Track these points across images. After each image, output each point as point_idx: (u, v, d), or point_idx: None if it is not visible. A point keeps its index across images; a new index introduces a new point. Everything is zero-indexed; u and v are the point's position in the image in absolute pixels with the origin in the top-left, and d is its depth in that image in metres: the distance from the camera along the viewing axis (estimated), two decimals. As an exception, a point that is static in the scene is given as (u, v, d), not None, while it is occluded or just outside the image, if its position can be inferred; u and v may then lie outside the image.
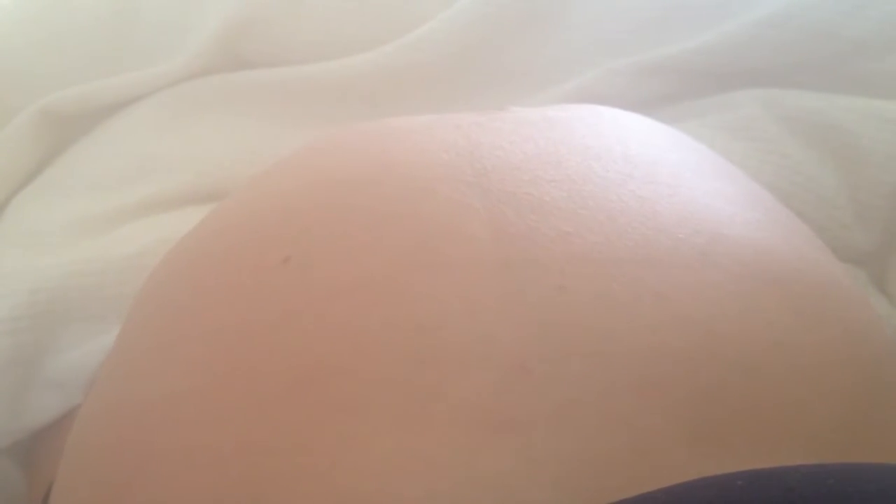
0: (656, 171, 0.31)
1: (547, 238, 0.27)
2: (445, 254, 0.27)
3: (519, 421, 0.23)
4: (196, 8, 0.62)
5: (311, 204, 0.31)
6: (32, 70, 0.61)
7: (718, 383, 0.24)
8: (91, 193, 0.54)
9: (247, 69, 0.61)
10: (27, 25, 0.62)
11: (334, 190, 0.31)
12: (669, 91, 0.57)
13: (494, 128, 0.33)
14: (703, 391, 0.24)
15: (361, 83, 0.59)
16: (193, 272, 0.32)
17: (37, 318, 0.47)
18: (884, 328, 0.30)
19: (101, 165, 0.56)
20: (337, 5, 0.61)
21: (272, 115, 0.58)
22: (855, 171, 0.50)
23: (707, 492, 0.21)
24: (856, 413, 0.25)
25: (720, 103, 0.55)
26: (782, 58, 0.55)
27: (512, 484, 0.22)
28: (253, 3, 0.60)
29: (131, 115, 0.59)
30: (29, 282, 0.47)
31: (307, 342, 0.26)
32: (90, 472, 0.28)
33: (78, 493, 0.29)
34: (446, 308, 0.26)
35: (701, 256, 0.27)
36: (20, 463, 0.50)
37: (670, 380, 0.24)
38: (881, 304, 0.48)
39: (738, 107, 0.54)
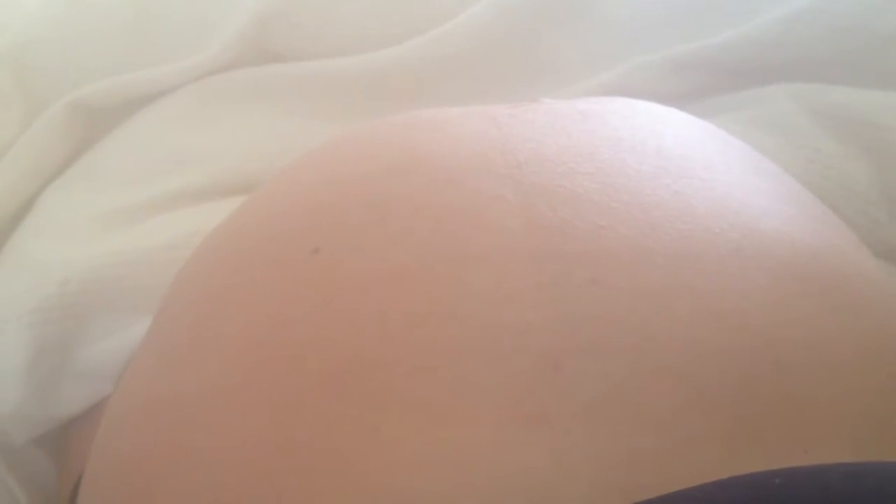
0: (691, 165, 0.30)
1: (580, 231, 0.27)
2: (477, 245, 0.27)
3: (549, 416, 0.23)
4: (223, 2, 0.62)
5: (341, 195, 0.31)
6: (61, 64, 0.61)
7: (753, 379, 0.24)
8: (120, 186, 0.55)
9: (274, 63, 0.61)
10: (56, 20, 0.62)
11: (365, 180, 0.31)
12: (699, 86, 0.56)
13: (527, 119, 0.33)
14: (739, 387, 0.24)
15: (389, 77, 0.59)
16: (222, 266, 0.32)
17: (67, 310, 0.47)
18: None
19: (130, 158, 0.57)
20: (365, -1, 0.61)
21: (300, 109, 0.58)
22: (888, 167, 0.49)
23: (743, 490, 0.20)
24: (893, 410, 0.25)
25: (751, 98, 0.55)
26: (813, 53, 0.54)
27: (542, 480, 0.22)
28: None
29: (161, 109, 0.59)
30: (59, 273, 0.48)
31: (337, 334, 0.26)
32: (119, 465, 0.28)
33: (107, 486, 0.29)
34: (477, 300, 0.25)
35: (736, 251, 0.27)
36: (51, 454, 0.50)
37: (705, 376, 0.24)
38: (914, 301, 0.48)
39: (769, 102, 0.54)
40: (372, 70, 0.59)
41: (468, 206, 0.28)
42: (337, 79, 0.59)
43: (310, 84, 0.59)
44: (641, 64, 0.56)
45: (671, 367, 0.24)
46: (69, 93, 0.58)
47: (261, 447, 0.24)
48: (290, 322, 0.27)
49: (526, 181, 0.29)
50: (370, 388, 0.24)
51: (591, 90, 0.56)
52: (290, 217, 0.31)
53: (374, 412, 0.24)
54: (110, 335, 0.47)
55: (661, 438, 0.23)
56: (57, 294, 0.47)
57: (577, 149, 0.31)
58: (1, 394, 0.47)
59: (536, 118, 0.33)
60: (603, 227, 0.27)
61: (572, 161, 0.30)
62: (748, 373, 0.24)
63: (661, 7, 0.60)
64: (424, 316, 0.25)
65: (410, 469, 0.23)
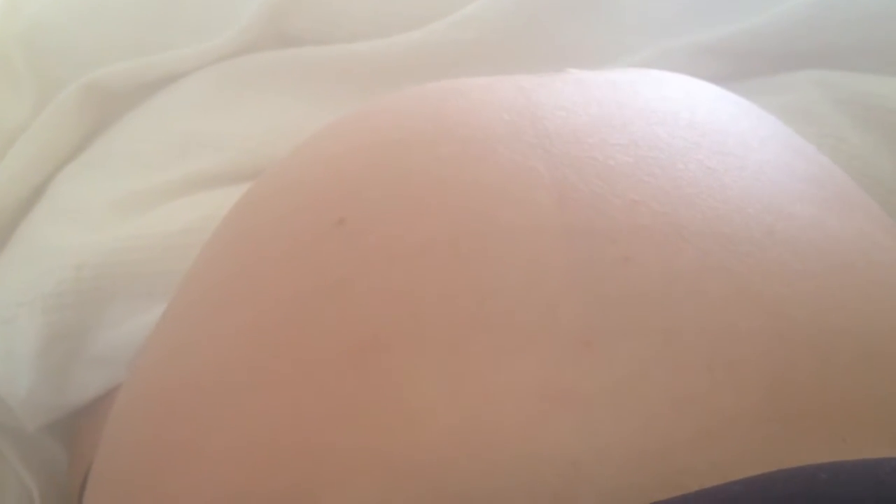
0: (724, 141, 0.30)
1: (612, 206, 0.26)
2: (507, 219, 0.26)
3: (579, 395, 0.22)
4: None
5: (366, 164, 0.30)
6: (79, 46, 0.60)
7: (790, 366, 0.23)
8: (135, 170, 0.54)
9: (293, 47, 0.60)
10: (70, 1, 0.62)
11: (390, 150, 0.30)
12: (724, 72, 0.56)
13: (556, 88, 0.32)
14: (776, 373, 0.23)
15: (408, 62, 0.58)
16: (241, 242, 0.31)
17: (82, 295, 0.47)
18: None
19: (146, 142, 0.56)
20: (386, -18, 0.60)
21: (319, 93, 0.58)
22: (912, 156, 0.49)
23: (789, 485, 0.20)
24: None
25: (776, 85, 0.54)
26: (839, 39, 0.54)
27: (572, 459, 0.22)
28: None
29: (177, 92, 0.58)
30: (74, 258, 0.47)
31: (363, 310, 0.25)
32: (127, 456, 0.28)
33: (114, 479, 0.28)
34: (507, 276, 0.25)
35: (769, 234, 0.26)
36: (63, 442, 0.50)
37: (741, 359, 0.23)
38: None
39: (794, 89, 0.53)
40: (391, 55, 0.58)
41: (498, 179, 0.27)
42: (355, 63, 0.59)
43: (328, 68, 0.59)
44: (667, 49, 0.56)
45: (704, 350, 0.23)
46: (83, 75, 0.58)
47: (283, 430, 0.24)
48: (312, 298, 0.26)
49: (556, 152, 0.28)
50: (396, 365, 0.24)
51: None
52: (313, 187, 0.30)
53: (400, 389, 0.23)
54: (125, 321, 0.47)
55: (692, 421, 0.22)
56: (72, 279, 0.47)
57: (607, 119, 0.30)
58: (14, 379, 0.46)
59: (565, 87, 0.32)
60: (636, 202, 0.26)
61: (604, 132, 0.29)
62: (786, 359, 0.23)
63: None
64: (452, 292, 0.25)
65: (438, 446, 0.22)
